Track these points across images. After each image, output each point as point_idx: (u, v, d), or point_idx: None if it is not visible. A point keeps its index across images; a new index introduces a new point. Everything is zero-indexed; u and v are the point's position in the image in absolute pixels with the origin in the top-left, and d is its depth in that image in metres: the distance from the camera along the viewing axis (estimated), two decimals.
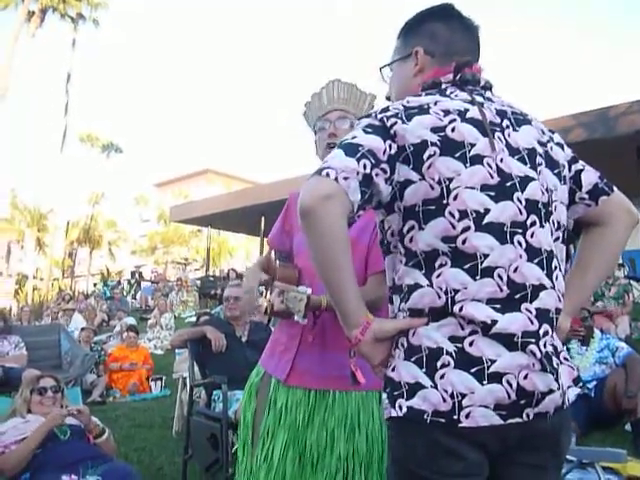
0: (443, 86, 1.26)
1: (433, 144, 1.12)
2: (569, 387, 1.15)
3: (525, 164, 1.17)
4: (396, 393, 1.12)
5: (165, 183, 40.48)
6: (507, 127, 1.20)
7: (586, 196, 1.29)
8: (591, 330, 4.31)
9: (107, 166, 32.68)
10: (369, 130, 1.15)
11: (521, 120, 1.24)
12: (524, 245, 1.12)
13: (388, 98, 1.42)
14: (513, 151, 1.17)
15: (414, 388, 1.10)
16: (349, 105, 1.92)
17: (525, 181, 1.15)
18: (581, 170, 1.30)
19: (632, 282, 7.50)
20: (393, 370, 1.14)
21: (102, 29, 26.48)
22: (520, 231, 1.12)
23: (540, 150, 1.21)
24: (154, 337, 10.00)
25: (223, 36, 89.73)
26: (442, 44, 1.30)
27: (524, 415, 1.08)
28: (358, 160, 1.09)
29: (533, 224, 1.14)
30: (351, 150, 1.11)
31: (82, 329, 8.39)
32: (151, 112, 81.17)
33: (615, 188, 1.31)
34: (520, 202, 1.13)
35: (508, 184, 1.13)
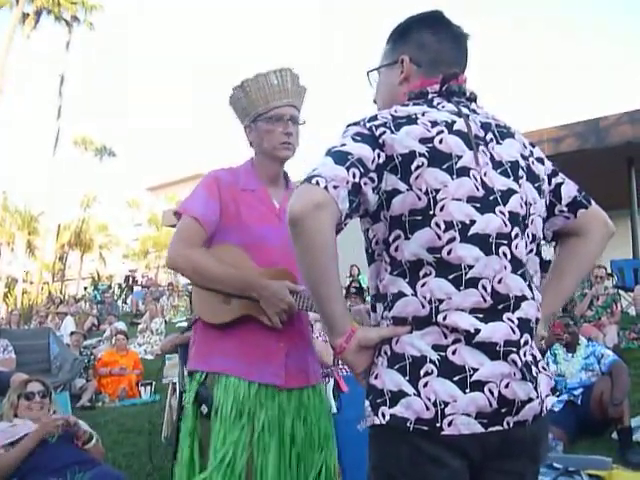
0: (430, 96, 1.26)
1: (421, 155, 1.13)
2: (547, 396, 1.18)
3: (508, 177, 1.19)
4: (379, 401, 1.13)
5: (158, 187, 40.32)
6: (491, 140, 1.22)
7: (565, 209, 1.32)
8: (576, 337, 4.35)
9: (100, 169, 32.58)
10: (358, 138, 1.15)
11: (505, 133, 1.26)
12: (509, 256, 1.14)
13: (375, 102, 1.42)
14: (496, 164, 1.19)
15: (397, 396, 1.11)
16: (298, 100, 1.92)
17: (508, 194, 1.18)
18: (561, 183, 1.33)
19: (620, 292, 7.56)
20: (376, 378, 1.15)
21: (96, 31, 26.31)
22: (505, 242, 1.14)
23: (522, 163, 1.24)
24: (144, 342, 9.96)
25: (218, 39, 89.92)
26: (429, 54, 1.30)
27: (505, 423, 1.10)
28: (347, 169, 1.09)
29: (517, 236, 1.17)
30: (340, 158, 1.11)
31: (72, 333, 8.36)
32: (145, 116, 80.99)
33: (592, 201, 1.34)
34: (503, 215, 1.15)
35: (491, 198, 1.15)
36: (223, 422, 1.72)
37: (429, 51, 1.30)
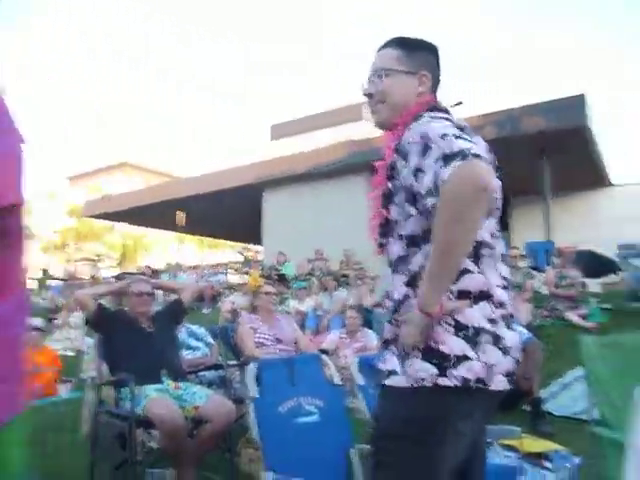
0: (436, 111, 1.49)
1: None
2: None
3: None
4: (445, 364, 1.33)
5: (79, 177, 38.62)
6: None
7: None
8: None
9: None
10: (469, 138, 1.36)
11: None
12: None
13: (368, 95, 1.60)
14: None
15: (462, 360, 1.33)
16: None
17: None
18: None
19: (534, 272, 7.96)
20: (442, 344, 1.34)
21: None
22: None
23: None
24: (63, 338, 9.52)
25: (141, 22, 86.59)
26: (436, 77, 1.60)
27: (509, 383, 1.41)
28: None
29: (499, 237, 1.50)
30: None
31: None
32: (65, 102, 76.93)
33: None
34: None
35: None
36: None
37: (436, 75, 1.60)
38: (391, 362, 1.42)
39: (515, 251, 7.47)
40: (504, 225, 14.89)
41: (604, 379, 2.78)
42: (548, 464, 3.08)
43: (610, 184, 13.71)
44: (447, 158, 1.25)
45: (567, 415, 4.21)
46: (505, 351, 1.38)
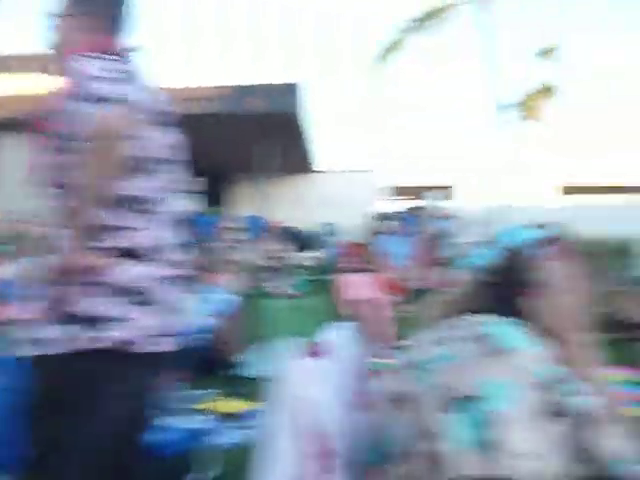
0: (116, 56, 1.41)
1: None
2: None
3: None
4: (99, 326, 1.23)
5: None
6: None
7: None
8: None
9: None
10: None
11: None
12: None
13: (54, 46, 1.49)
14: None
15: (116, 321, 1.24)
16: None
17: None
18: None
19: (246, 245, 8.41)
20: (94, 305, 1.23)
21: None
22: None
23: None
24: None
25: None
26: (112, 21, 1.49)
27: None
28: None
29: None
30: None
31: None
32: None
33: None
34: None
35: None
36: None
37: (112, 18, 1.50)
38: (42, 330, 1.27)
39: (229, 224, 7.75)
40: (218, 199, 15.40)
41: (291, 338, 3.06)
42: (243, 423, 3.26)
43: (315, 170, 15.24)
44: (97, 102, 1.23)
45: (263, 376, 4.52)
46: (168, 311, 1.34)
